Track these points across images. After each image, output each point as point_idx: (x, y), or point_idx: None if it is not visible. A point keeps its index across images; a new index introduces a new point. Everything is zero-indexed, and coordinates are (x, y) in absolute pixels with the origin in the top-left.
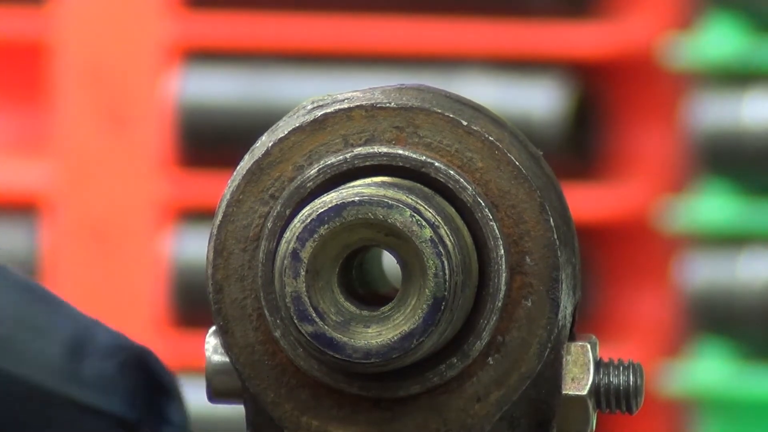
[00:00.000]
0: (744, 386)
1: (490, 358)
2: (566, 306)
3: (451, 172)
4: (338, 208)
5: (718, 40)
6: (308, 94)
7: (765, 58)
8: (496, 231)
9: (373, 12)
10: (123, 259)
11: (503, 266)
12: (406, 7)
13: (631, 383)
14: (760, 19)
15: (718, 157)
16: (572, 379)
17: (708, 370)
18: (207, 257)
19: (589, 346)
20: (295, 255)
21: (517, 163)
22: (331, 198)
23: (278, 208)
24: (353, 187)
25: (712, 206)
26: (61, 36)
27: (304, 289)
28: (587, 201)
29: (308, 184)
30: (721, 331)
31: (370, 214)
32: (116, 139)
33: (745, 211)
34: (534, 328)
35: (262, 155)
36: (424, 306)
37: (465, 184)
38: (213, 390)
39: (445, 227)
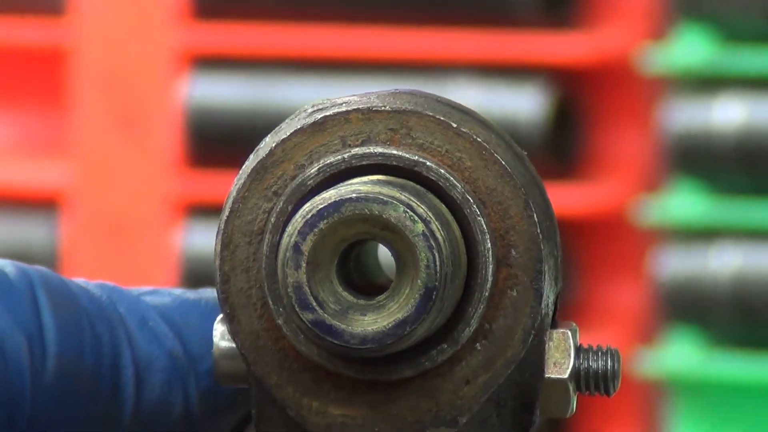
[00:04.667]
0: (712, 371)
1: (477, 344)
2: (549, 295)
3: (442, 171)
4: (337, 205)
5: (689, 49)
6: (309, 98)
7: (732, 66)
8: (484, 226)
9: (369, 22)
10: (136, 251)
11: (490, 259)
12: (399, 18)
13: (608, 367)
14: (727, 29)
15: (689, 158)
16: (554, 364)
17: (679, 356)
18: (215, 250)
19: (569, 333)
20: (296, 248)
21: (503, 162)
22: (330, 195)
23: (281, 204)
24: (351, 184)
25: (684, 203)
26: (79, 44)
27: (305, 279)
28: (568, 198)
29: (309, 182)
30: (691, 319)
31: (366, 210)
32: (130, 140)
33: (714, 208)
34: (519, 316)
35: (266, 155)
36: (417, 295)
37: (454, 182)
38: (220, 373)
39: (436, 222)
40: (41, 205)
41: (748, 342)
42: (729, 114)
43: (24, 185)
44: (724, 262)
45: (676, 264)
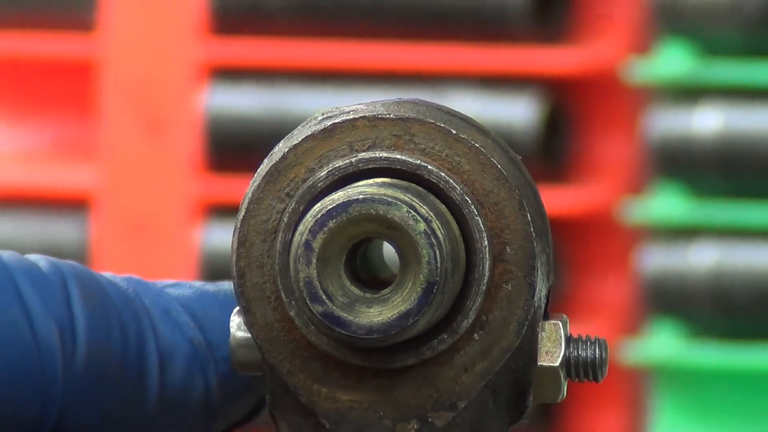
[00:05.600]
0: (692, 359)
1: (475, 334)
2: (541, 289)
3: (442, 174)
4: (345, 205)
5: (671, 62)
6: (319, 106)
7: (710, 77)
8: (481, 225)
9: (375, 37)
10: (160, 248)
11: (487, 255)
12: (402, 32)
13: (597, 356)
14: (705, 44)
15: (670, 162)
16: (546, 353)
17: (661, 345)
18: (231, 247)
19: (560, 324)
20: (307, 245)
21: (499, 166)
22: (338, 196)
23: (293, 204)
24: (358, 186)
25: (666, 204)
26: (107, 57)
27: (315, 274)
28: (559, 199)
29: (319, 184)
30: (672, 311)
31: (372, 210)
32: (154, 145)
33: (693, 208)
34: (513, 309)
35: (279, 159)
36: (419, 289)
37: (454, 184)
38: (236, 361)
39: (437, 221)
40: (72, 205)
41: (725, 332)
42: (707, 122)
43: (56, 187)
44: (703, 259)
45: (659, 260)
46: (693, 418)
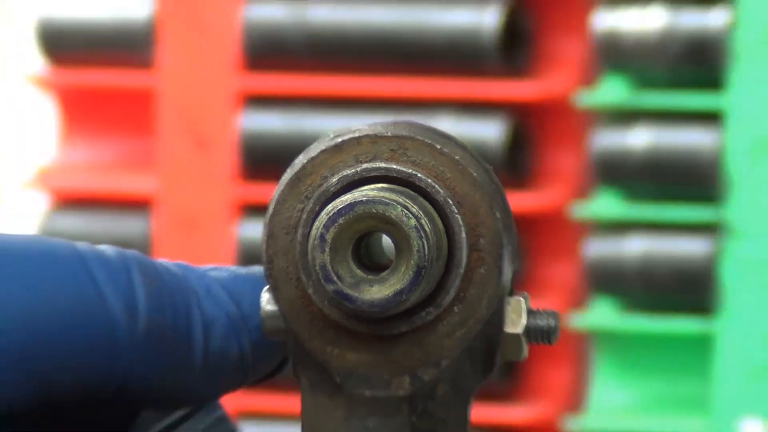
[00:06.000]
0: (623, 327)
1: (455, 308)
2: (507, 272)
3: (429, 181)
4: (351, 205)
5: (610, 92)
6: (332, 127)
7: (641, 103)
8: (460, 221)
9: (376, 72)
10: (205, 241)
11: (464, 245)
12: (399, 68)
13: (551, 324)
14: (637, 77)
15: (609, 172)
16: (511, 322)
17: (600, 316)
18: (262, 239)
19: (523, 300)
20: (322, 237)
21: (474, 174)
22: (346, 198)
23: (310, 205)
24: (362, 190)
25: (605, 205)
26: (163, 87)
27: (328, 260)
28: (521, 201)
29: (331, 189)
30: (609, 289)
31: (373, 209)
32: (201, 158)
33: (627, 208)
34: (485, 288)
35: (299, 169)
36: (410, 272)
37: (438, 188)
38: (266, 329)
39: (425, 218)
40: (136, 206)
41: (650, 306)
42: (638, 140)
43: (124, 191)
44: (633, 248)
45: (598, 249)
46: (624, 373)
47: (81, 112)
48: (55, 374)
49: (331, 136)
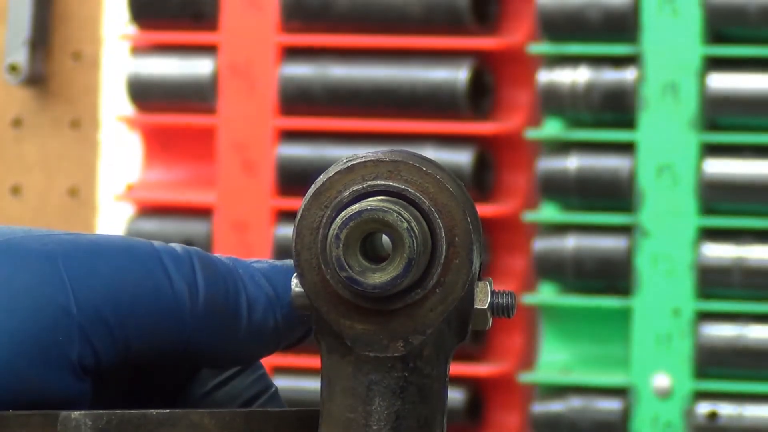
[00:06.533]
0: (563, 304)
1: (437, 290)
2: (476, 263)
3: (417, 194)
4: (359, 213)
5: (551, 128)
6: (345, 154)
7: (573, 138)
8: (440, 224)
9: (379, 115)
10: (251, 241)
11: (444, 242)
12: (394, 112)
13: (509, 302)
14: (570, 118)
15: (550, 188)
16: (479, 300)
17: (545, 296)
18: (292, 238)
19: (488, 283)
20: (337, 237)
21: (451, 190)
22: (355, 207)
23: (328, 212)
24: (367, 201)
25: (548, 212)
26: (221, 125)
27: (341, 254)
28: (486, 210)
29: (344, 200)
30: (552, 276)
31: (376, 215)
32: (248, 178)
33: (564, 215)
34: (460, 274)
35: (320, 185)
36: (403, 263)
37: (424, 200)
38: (295, 305)
39: (414, 222)
40: (200, 213)
41: (582, 289)
42: (572, 164)
43: (190, 203)
44: (569, 245)
45: (543, 246)
46: (563, 339)
47: (159, 144)
48: (135, 339)
49: (344, 161)
